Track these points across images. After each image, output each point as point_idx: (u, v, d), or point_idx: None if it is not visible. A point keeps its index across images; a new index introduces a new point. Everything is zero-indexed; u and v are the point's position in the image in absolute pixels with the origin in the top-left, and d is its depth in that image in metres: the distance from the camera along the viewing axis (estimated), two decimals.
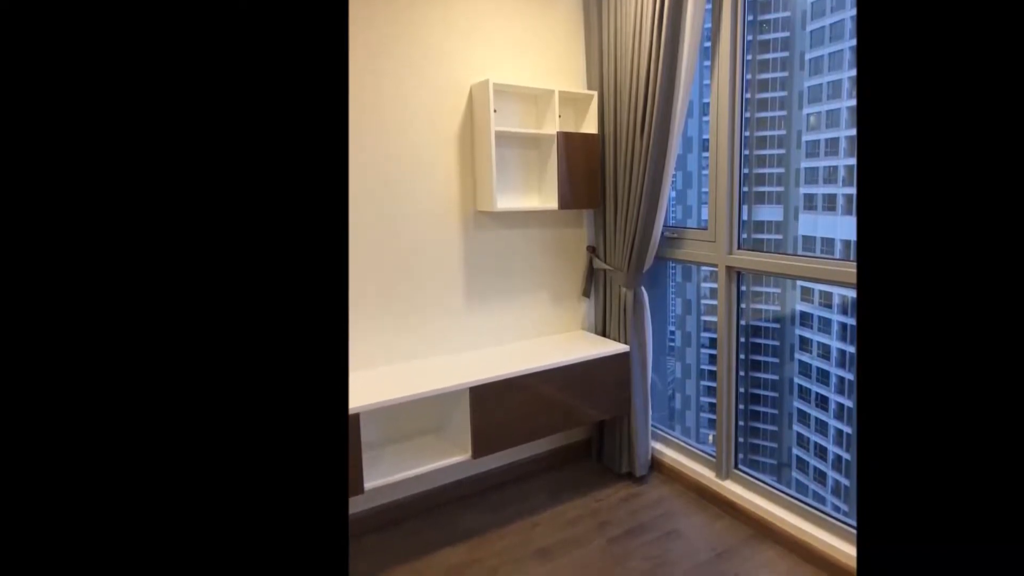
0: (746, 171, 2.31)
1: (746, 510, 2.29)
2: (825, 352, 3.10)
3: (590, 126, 2.56)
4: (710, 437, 2.60)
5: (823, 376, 3.13)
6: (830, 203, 2.84)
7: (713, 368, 2.44)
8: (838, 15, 3.08)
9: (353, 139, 2.16)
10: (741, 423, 2.45)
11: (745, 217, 2.32)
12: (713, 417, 2.46)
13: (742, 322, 2.40)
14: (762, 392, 3.35)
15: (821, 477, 3.13)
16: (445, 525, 2.33)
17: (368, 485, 1.96)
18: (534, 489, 2.59)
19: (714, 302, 2.40)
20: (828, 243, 2.84)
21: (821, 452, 3.14)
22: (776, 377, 3.32)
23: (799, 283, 3.04)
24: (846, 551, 1.95)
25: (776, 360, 3.30)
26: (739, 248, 2.30)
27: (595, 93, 2.53)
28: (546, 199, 2.50)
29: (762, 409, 3.36)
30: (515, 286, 2.61)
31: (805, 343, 3.17)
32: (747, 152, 2.29)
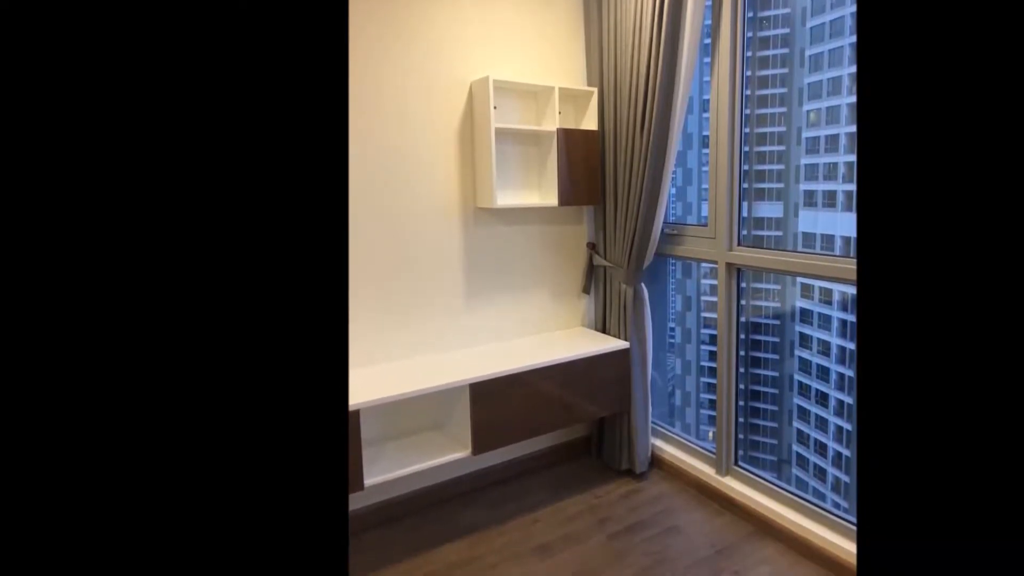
0: (746, 167, 2.30)
1: (746, 507, 2.30)
2: (825, 348, 3.11)
3: (590, 122, 2.56)
4: (710, 434, 2.60)
5: (823, 372, 3.14)
6: (830, 199, 2.84)
7: (713, 365, 2.44)
8: (838, 11, 3.08)
9: (353, 136, 2.15)
10: (741, 420, 2.45)
11: (745, 214, 2.32)
12: (713, 414, 2.47)
13: (742, 319, 2.40)
14: (762, 389, 3.35)
15: (821, 473, 3.14)
16: (445, 521, 2.34)
17: (368, 481, 1.97)
18: (534, 486, 2.59)
19: (714, 299, 2.40)
20: (828, 239, 2.84)
21: (821, 448, 3.14)
22: (776, 374, 3.32)
23: (799, 279, 3.04)
24: (846, 548, 1.95)
25: (776, 356, 3.31)
26: (739, 244, 2.30)
27: (595, 89, 2.53)
28: (546, 195, 2.50)
29: (762, 406, 3.37)
30: (515, 283, 2.61)
31: (805, 339, 3.17)
32: (747, 148, 2.29)
